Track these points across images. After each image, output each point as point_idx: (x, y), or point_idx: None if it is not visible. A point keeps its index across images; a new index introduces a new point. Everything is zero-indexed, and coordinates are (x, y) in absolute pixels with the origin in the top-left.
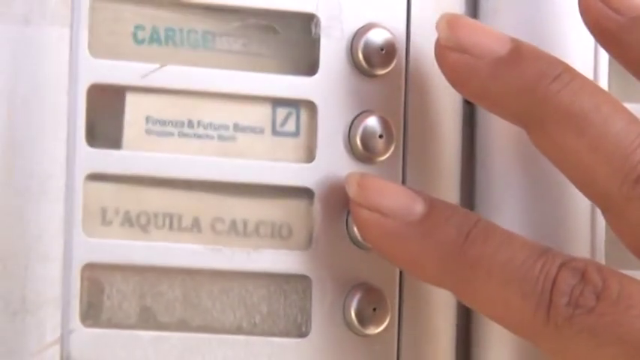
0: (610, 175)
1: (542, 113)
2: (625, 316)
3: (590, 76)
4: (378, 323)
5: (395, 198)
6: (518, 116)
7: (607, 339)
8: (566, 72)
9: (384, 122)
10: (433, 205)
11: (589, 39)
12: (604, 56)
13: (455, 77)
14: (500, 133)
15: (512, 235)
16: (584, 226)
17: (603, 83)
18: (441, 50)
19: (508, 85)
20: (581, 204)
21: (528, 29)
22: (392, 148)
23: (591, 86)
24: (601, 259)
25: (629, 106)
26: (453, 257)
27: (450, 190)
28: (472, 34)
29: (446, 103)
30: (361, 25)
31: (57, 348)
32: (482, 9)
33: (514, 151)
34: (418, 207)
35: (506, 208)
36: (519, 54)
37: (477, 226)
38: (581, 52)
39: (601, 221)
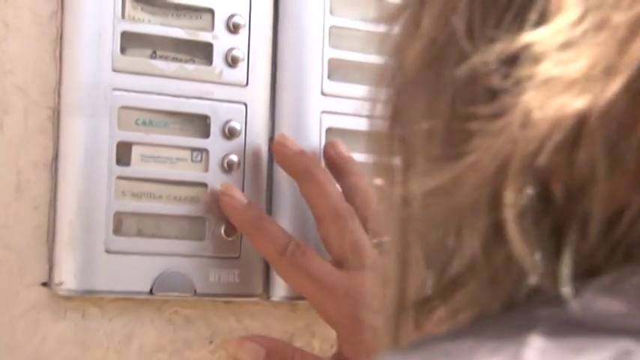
0: None
1: None
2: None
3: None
4: (233, 235)
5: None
6: None
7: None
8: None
9: (238, 158)
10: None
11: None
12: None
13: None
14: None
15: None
16: None
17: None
18: None
19: None
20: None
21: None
22: (239, 169)
23: None
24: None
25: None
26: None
27: (260, 184)
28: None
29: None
30: (227, 119)
31: (102, 245)
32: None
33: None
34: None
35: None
36: None
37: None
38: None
39: None
